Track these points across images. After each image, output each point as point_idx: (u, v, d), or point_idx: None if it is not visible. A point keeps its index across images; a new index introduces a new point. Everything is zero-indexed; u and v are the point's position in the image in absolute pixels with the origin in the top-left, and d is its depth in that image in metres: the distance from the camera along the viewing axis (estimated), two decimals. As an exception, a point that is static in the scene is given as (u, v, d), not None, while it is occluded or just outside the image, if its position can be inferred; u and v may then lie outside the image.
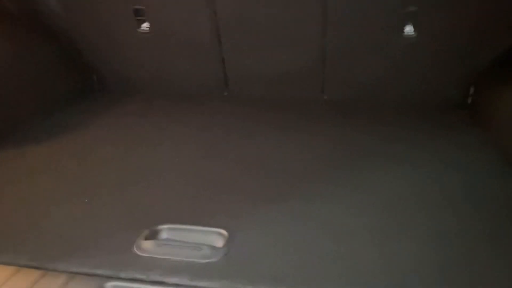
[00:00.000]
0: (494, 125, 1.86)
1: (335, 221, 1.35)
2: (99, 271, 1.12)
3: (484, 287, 1.10)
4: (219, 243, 1.25)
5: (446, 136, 1.88)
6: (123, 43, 2.21)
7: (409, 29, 1.94)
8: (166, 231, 1.30)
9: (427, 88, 2.13)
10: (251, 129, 2.00)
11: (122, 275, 1.12)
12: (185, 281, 1.10)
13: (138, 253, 1.19)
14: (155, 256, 1.18)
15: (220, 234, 1.28)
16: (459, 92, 2.11)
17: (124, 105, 2.26)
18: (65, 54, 2.28)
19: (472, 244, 1.25)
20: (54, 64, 2.20)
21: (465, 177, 1.58)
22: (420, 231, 1.30)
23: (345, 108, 2.17)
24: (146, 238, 1.24)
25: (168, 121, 2.08)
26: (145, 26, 2.11)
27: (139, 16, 2.09)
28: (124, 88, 2.40)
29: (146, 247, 1.21)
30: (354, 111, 2.14)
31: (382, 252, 1.22)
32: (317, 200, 1.46)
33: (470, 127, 1.96)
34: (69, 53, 2.29)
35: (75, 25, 2.20)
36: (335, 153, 1.78)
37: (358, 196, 1.49)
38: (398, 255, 1.21)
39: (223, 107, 2.21)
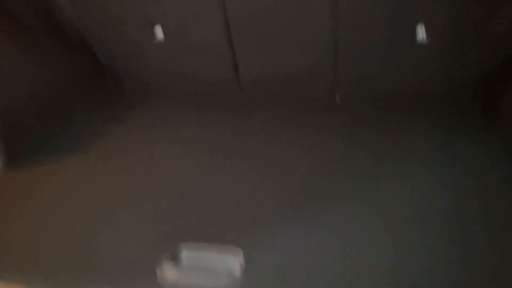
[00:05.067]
0: (506, 121, 1.86)
1: (351, 237, 1.40)
2: None
3: None
4: (236, 265, 1.32)
5: (461, 135, 1.89)
6: (138, 49, 2.25)
7: (420, 31, 1.92)
8: (184, 255, 1.37)
9: (440, 87, 2.12)
10: (264, 135, 2.02)
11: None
12: None
13: (160, 282, 1.26)
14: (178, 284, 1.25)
15: (237, 254, 1.34)
16: (473, 89, 2.10)
17: (140, 111, 2.31)
18: (83, 62, 2.33)
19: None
20: (73, 72, 2.25)
21: (481, 185, 1.60)
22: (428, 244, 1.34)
23: (357, 109, 2.17)
24: (166, 263, 1.32)
25: (182, 128, 2.13)
26: (160, 36, 2.15)
27: (154, 26, 2.12)
28: (140, 91, 2.46)
29: (167, 274, 1.28)
30: (366, 111, 2.15)
31: (393, 267, 1.26)
32: (333, 214, 1.50)
33: (483, 125, 1.95)
34: (86, 60, 2.34)
35: (91, 33, 2.25)
36: (350, 159, 1.81)
37: (373, 208, 1.52)
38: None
39: (236, 111, 2.25)
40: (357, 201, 1.58)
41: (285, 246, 1.38)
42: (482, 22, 1.86)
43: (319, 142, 1.97)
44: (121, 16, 2.13)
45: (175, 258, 1.35)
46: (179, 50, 2.21)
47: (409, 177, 1.68)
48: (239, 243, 1.36)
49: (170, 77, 2.37)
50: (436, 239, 1.38)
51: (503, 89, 1.98)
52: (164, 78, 2.39)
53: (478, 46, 1.94)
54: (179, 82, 2.38)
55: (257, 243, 1.37)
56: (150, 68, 2.34)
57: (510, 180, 1.61)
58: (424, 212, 1.50)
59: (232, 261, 1.34)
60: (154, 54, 2.24)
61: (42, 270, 1.31)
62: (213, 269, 1.30)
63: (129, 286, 1.25)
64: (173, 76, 2.36)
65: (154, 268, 1.30)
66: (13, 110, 1.88)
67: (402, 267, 1.27)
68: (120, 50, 2.31)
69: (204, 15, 2.06)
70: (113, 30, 2.20)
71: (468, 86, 2.12)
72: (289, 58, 2.16)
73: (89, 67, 2.36)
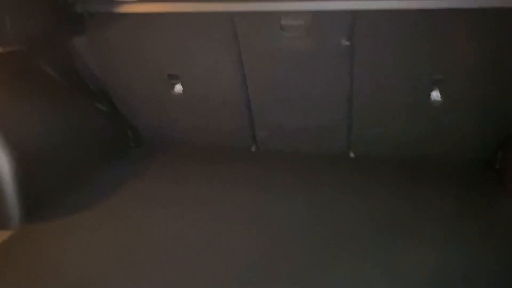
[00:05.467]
0: None
1: None
2: None
3: None
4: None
5: (473, 199, 1.88)
6: (157, 103, 2.33)
7: (435, 94, 1.97)
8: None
9: (453, 150, 2.13)
10: (277, 190, 2.02)
11: None
12: None
13: None
14: None
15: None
16: (487, 156, 2.11)
17: (156, 162, 2.35)
18: (102, 112, 2.40)
19: None
20: (93, 124, 2.31)
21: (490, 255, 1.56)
22: None
23: (370, 165, 2.18)
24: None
25: (196, 182, 2.15)
26: (179, 89, 2.24)
27: (173, 80, 2.21)
28: (156, 141, 2.51)
29: None
30: (379, 169, 2.15)
31: None
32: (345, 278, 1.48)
33: (497, 194, 1.94)
34: (106, 111, 2.42)
35: (111, 85, 2.34)
36: (360, 219, 1.79)
37: (381, 270, 1.49)
38: None
39: (250, 165, 2.27)
40: (368, 263, 1.55)
41: None
42: (499, 92, 1.91)
43: (331, 200, 1.95)
44: (141, 69, 2.22)
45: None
46: (196, 103, 2.27)
47: (416, 241, 1.65)
48: None
49: (186, 129, 2.43)
50: None
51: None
52: (180, 130, 2.44)
53: (494, 113, 1.98)
54: (195, 134, 2.43)
55: None
56: (167, 119, 2.40)
57: None
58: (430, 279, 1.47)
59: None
60: (172, 106, 2.31)
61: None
62: None
63: None
64: (189, 128, 2.42)
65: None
66: (33, 163, 1.90)
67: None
68: (138, 101, 2.38)
69: (222, 70, 2.14)
70: (132, 82, 2.28)
71: (482, 150, 2.13)
72: (304, 114, 2.22)
73: (108, 117, 2.43)
